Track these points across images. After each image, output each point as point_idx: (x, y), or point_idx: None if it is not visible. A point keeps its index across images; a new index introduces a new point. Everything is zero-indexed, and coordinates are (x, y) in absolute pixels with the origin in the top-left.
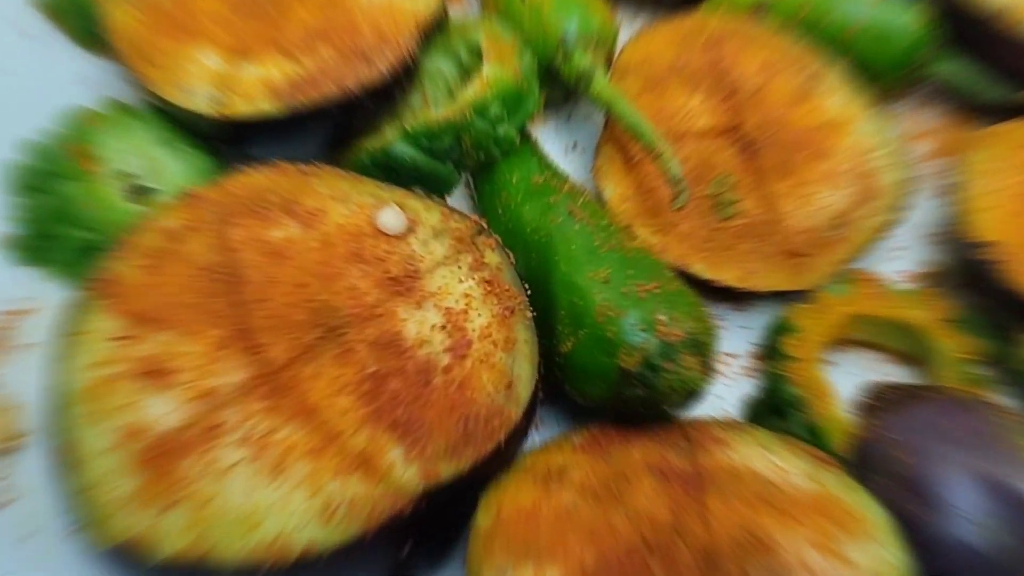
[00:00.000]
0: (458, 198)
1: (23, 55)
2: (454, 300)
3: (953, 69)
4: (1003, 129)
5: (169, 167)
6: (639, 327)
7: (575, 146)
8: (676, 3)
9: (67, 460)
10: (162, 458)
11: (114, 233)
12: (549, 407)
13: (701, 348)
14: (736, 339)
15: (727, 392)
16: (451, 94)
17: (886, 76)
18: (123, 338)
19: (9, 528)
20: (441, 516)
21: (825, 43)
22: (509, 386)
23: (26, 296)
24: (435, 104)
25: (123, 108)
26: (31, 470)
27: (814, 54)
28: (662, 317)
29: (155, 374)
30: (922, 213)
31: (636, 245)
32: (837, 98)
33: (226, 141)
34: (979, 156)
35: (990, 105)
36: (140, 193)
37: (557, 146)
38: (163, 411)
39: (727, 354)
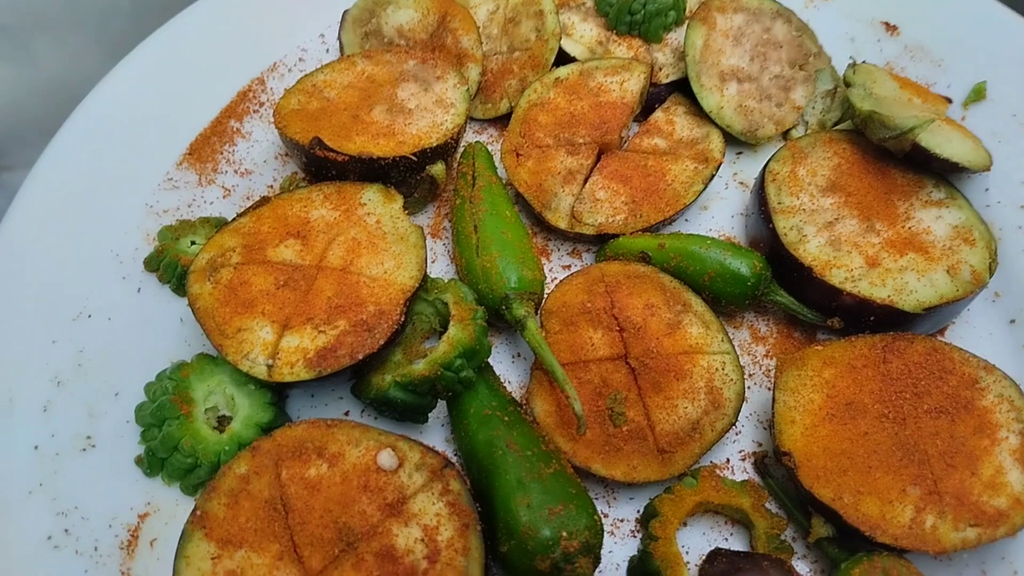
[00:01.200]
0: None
1: (139, 307)
2: (429, 518)
3: (782, 299)
4: (808, 353)
5: (241, 402)
6: (549, 542)
7: (519, 355)
8: (587, 241)
9: None
10: None
11: (206, 457)
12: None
13: (591, 549)
14: (625, 508)
15: (618, 549)
16: (431, 328)
17: (734, 304)
18: (214, 557)
19: None
20: None
21: (690, 282)
22: None
23: (150, 500)
24: (420, 339)
25: (207, 360)
26: None
27: (682, 292)
28: (564, 533)
29: None
30: (756, 402)
31: (551, 471)
32: (696, 328)
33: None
34: (789, 375)
35: (811, 323)
36: (222, 422)
37: (506, 355)
38: None
39: (619, 520)
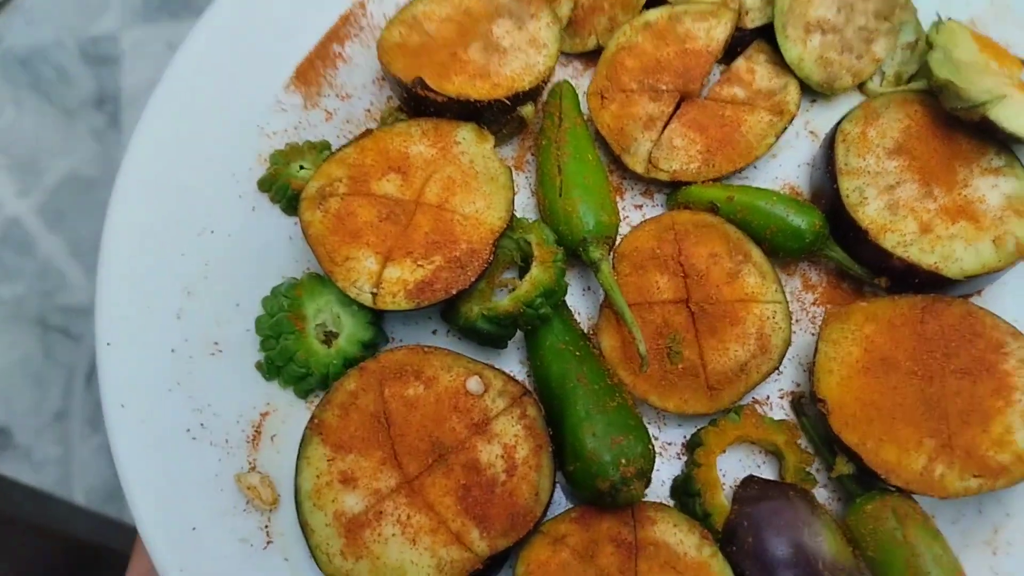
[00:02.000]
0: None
1: (254, 224)
2: (508, 438)
3: (835, 255)
4: (854, 309)
5: (346, 321)
6: (609, 467)
7: (589, 288)
8: (663, 188)
9: (305, 529)
10: (354, 530)
11: (317, 368)
12: (562, 493)
13: (644, 475)
14: (673, 433)
15: (665, 468)
16: (513, 262)
17: (791, 256)
18: (330, 459)
19: (277, 554)
20: (494, 565)
21: (753, 234)
22: (536, 495)
23: (269, 401)
24: (502, 270)
25: (316, 279)
26: (285, 521)
27: (744, 243)
28: (623, 460)
29: (348, 480)
30: (800, 346)
31: (615, 404)
32: (754, 278)
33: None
34: (833, 328)
35: (859, 278)
36: (329, 337)
37: (578, 287)
38: (353, 502)
39: (667, 443)
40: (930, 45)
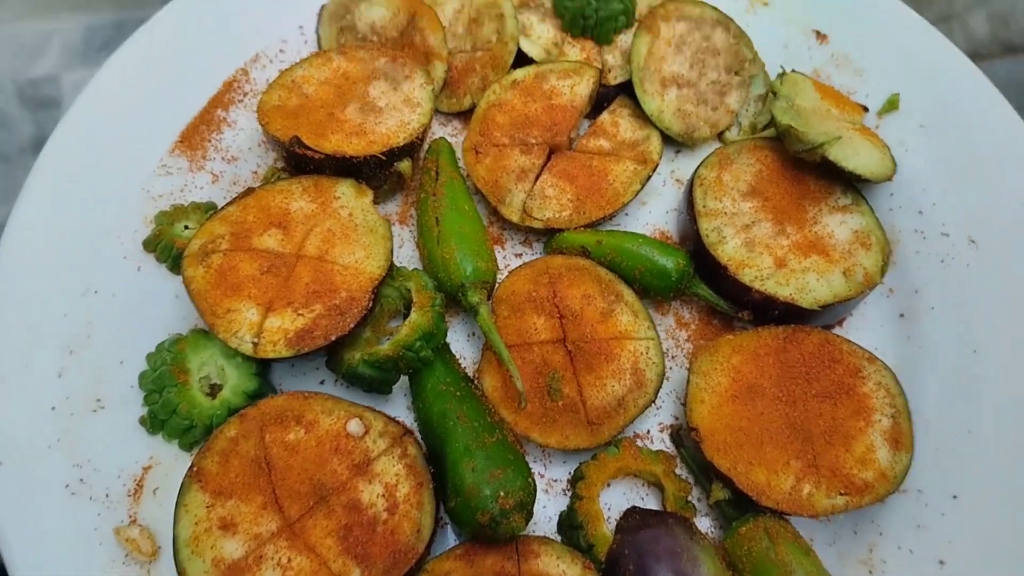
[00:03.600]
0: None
1: (139, 284)
2: (390, 477)
3: (702, 291)
4: (721, 342)
5: (231, 372)
6: (489, 500)
7: (473, 334)
8: (539, 234)
9: None
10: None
11: (200, 419)
12: (446, 531)
13: (524, 506)
14: (558, 469)
15: (551, 504)
16: (396, 309)
17: (660, 296)
18: (208, 506)
19: None
20: None
21: (623, 275)
22: (419, 531)
23: (152, 455)
24: (387, 318)
25: (201, 334)
26: (165, 572)
27: (615, 283)
28: (502, 493)
29: (227, 526)
30: (676, 381)
31: (494, 440)
32: (626, 316)
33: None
34: (703, 360)
35: (726, 314)
36: (214, 389)
37: (462, 333)
38: (233, 547)
39: (553, 480)
40: (774, 94)
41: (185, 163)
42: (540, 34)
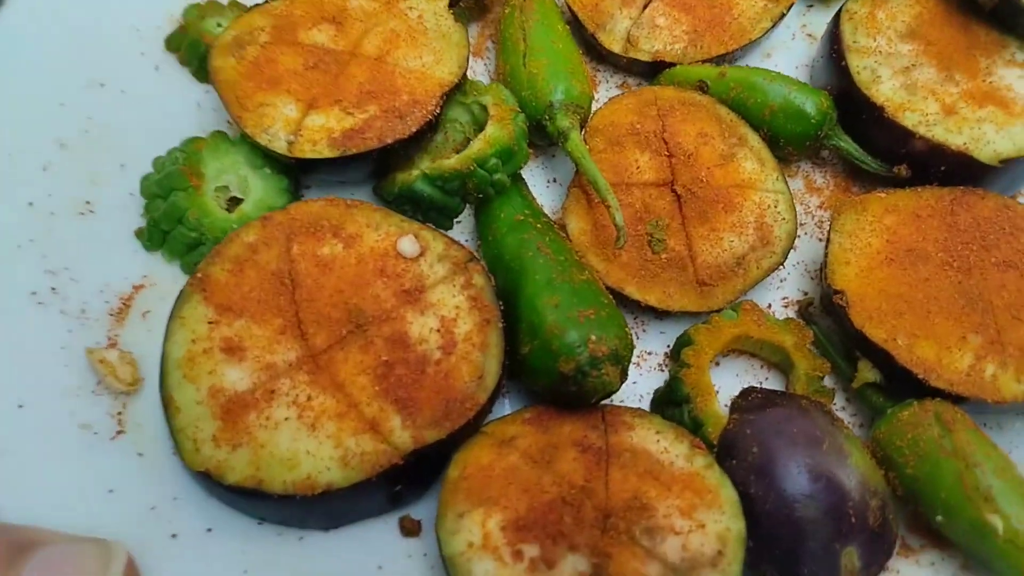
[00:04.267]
0: (465, 221)
1: (155, 84)
2: (448, 310)
3: (845, 144)
4: (870, 198)
5: (255, 185)
6: (576, 343)
7: (554, 180)
8: (640, 71)
9: (169, 407)
10: (234, 411)
11: (212, 232)
12: (511, 389)
13: (619, 359)
14: (654, 341)
15: (643, 381)
16: (464, 138)
17: (793, 145)
18: (212, 322)
19: (128, 447)
20: (425, 466)
21: (749, 116)
22: (480, 378)
23: (147, 274)
24: (451, 149)
25: (223, 137)
26: (146, 410)
27: (739, 126)
28: (593, 336)
29: (233, 350)
30: (805, 251)
31: (584, 278)
32: (751, 163)
33: (297, 167)
34: (846, 219)
35: (870, 173)
36: (233, 203)
37: (540, 179)
38: (237, 377)
39: (646, 352)
40: None
41: None
42: None
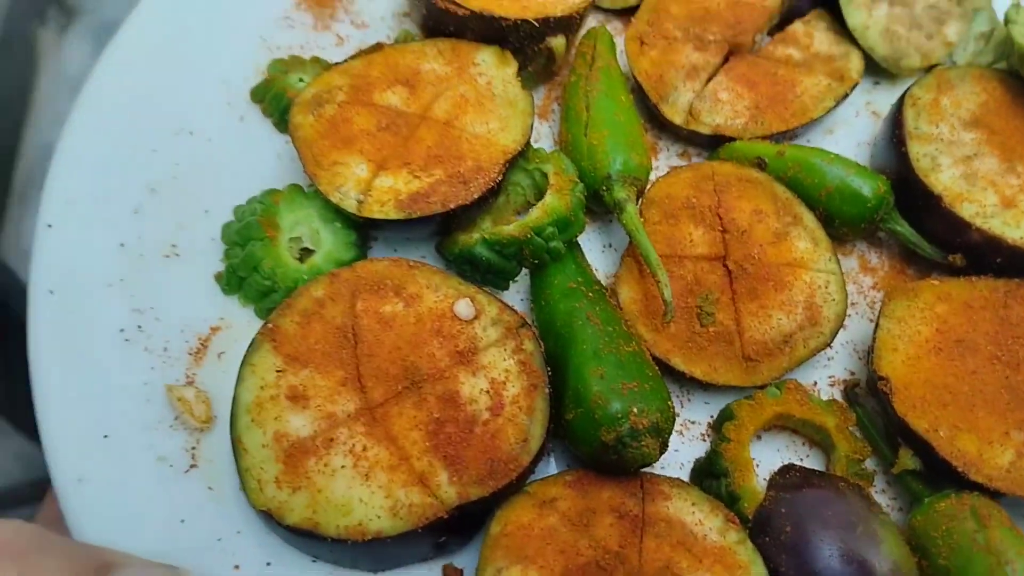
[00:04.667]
0: (521, 282)
1: (240, 134)
2: (498, 373)
3: (901, 228)
4: (923, 285)
5: (326, 238)
6: (618, 415)
7: (610, 245)
8: (700, 142)
9: (237, 447)
10: (296, 456)
11: (284, 282)
12: (556, 448)
13: (660, 432)
14: (698, 410)
15: (684, 449)
16: (525, 202)
17: (849, 227)
18: (279, 371)
19: (200, 481)
20: (468, 520)
21: (805, 196)
22: (525, 441)
23: (223, 317)
24: (512, 211)
25: (298, 190)
26: (218, 447)
27: (794, 204)
28: (635, 409)
29: (297, 398)
30: (855, 331)
31: (631, 349)
32: (804, 243)
33: (365, 224)
34: (897, 304)
35: (926, 259)
36: (305, 253)
37: (596, 244)
38: (300, 424)
39: (690, 421)
40: (1008, 22)
41: (311, 19)
42: None
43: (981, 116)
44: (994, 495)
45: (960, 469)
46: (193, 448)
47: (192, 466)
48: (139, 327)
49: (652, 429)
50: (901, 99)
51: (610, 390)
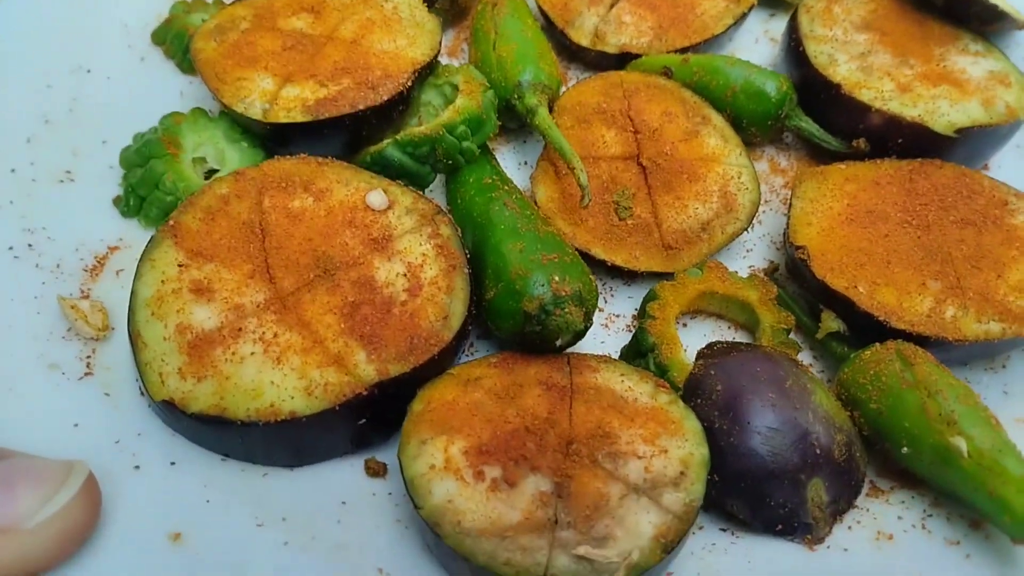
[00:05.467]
0: (436, 191)
1: (140, 74)
2: (414, 257)
3: (805, 124)
4: (830, 169)
5: (231, 156)
6: (539, 283)
7: (525, 163)
8: (607, 65)
9: (136, 342)
10: (201, 347)
11: (187, 193)
12: (481, 340)
13: (583, 301)
14: (622, 304)
15: (611, 341)
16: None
17: (756, 126)
18: (181, 265)
19: (95, 387)
20: (389, 404)
21: (712, 99)
22: (446, 318)
23: (123, 238)
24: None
25: (202, 113)
26: (115, 355)
27: (702, 106)
28: (556, 277)
29: (202, 291)
30: (771, 225)
31: (549, 229)
32: (714, 140)
33: (273, 140)
34: (808, 186)
35: (832, 152)
36: (210, 174)
37: (512, 161)
38: (205, 316)
39: (614, 314)
40: None
41: None
42: None
43: (872, 21)
44: (918, 341)
45: (882, 319)
46: (88, 357)
47: (87, 374)
48: (29, 245)
49: (575, 297)
50: (795, 11)
51: (530, 261)
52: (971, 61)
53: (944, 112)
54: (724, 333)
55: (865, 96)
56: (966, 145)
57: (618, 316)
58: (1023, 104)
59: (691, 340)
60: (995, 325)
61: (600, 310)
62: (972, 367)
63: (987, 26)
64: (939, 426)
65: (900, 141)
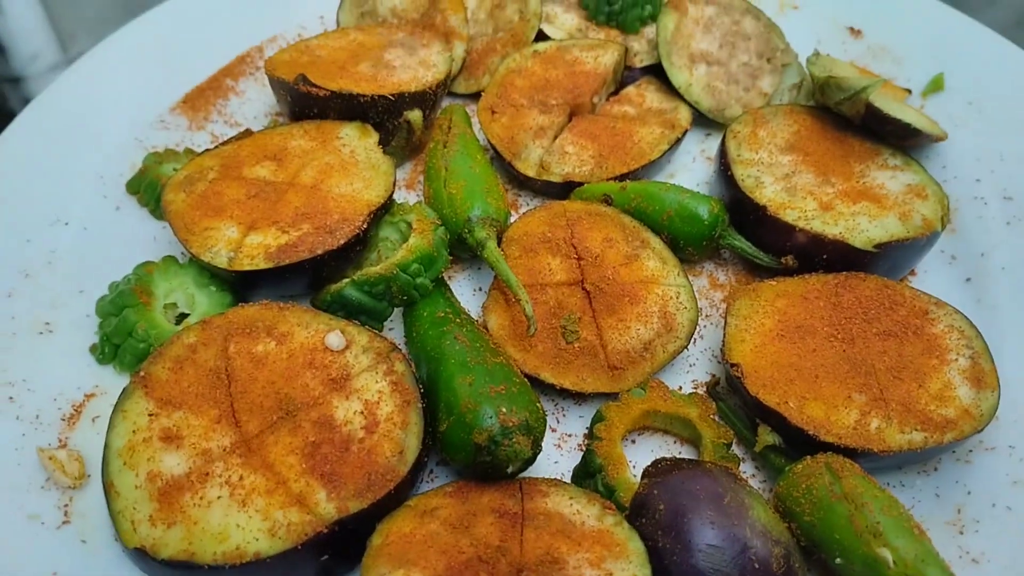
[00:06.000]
0: (396, 321)
1: (116, 223)
2: (371, 395)
3: (738, 242)
4: (762, 286)
5: (201, 301)
6: (487, 415)
7: (480, 289)
8: (554, 192)
9: (110, 492)
10: (170, 494)
11: (160, 342)
12: (440, 467)
13: (531, 430)
14: (574, 423)
15: (564, 461)
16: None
17: (692, 246)
18: (152, 414)
19: (72, 535)
20: (351, 539)
21: (650, 223)
22: (401, 453)
23: (98, 384)
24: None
25: (173, 260)
26: (91, 502)
27: (641, 231)
28: (503, 409)
29: (171, 438)
30: (711, 339)
31: (498, 361)
32: (653, 262)
33: (240, 284)
34: (741, 304)
35: (765, 267)
36: (181, 318)
37: (468, 288)
38: (174, 462)
39: (566, 434)
40: (808, 64)
41: (185, 121)
42: (564, 22)
43: (795, 142)
44: (846, 453)
45: (812, 432)
46: (66, 505)
47: (65, 522)
48: (10, 398)
49: (522, 427)
50: (724, 134)
51: (479, 395)
52: (890, 176)
53: (864, 228)
54: (671, 448)
55: (789, 216)
56: (887, 258)
57: (570, 436)
58: (938, 215)
59: (639, 456)
60: (917, 435)
61: (553, 430)
62: (906, 471)
63: (904, 141)
64: (866, 537)
65: (825, 257)
